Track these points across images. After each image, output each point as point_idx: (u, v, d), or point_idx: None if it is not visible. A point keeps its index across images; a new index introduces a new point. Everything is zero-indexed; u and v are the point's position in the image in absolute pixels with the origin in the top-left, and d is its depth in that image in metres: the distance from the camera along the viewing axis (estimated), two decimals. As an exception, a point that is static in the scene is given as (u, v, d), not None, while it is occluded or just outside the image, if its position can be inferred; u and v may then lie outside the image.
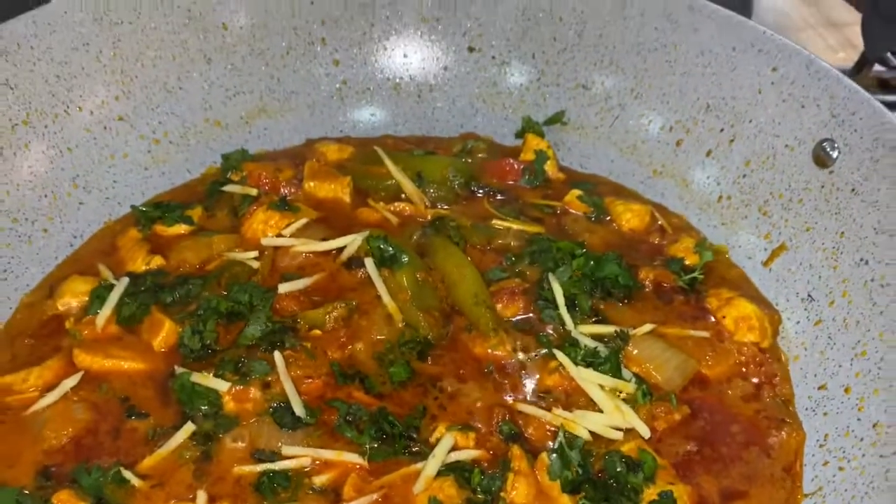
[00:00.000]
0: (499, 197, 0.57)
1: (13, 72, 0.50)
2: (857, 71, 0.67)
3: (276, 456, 0.40)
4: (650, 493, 0.39)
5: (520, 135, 0.61)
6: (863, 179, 0.47)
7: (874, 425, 0.41)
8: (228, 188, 0.55)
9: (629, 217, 0.55)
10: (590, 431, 0.42)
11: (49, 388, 0.42)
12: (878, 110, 0.47)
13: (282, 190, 0.55)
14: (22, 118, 0.51)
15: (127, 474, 0.39)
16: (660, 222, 0.55)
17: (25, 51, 0.50)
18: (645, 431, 0.41)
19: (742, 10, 0.71)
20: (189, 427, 0.41)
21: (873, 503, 0.36)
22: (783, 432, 0.43)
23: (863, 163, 0.47)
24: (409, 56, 0.63)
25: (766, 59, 0.52)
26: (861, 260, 0.46)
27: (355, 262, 0.50)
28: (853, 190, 0.48)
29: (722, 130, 0.55)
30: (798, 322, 0.48)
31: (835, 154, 0.49)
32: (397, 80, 0.63)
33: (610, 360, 0.45)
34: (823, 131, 0.50)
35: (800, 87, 0.51)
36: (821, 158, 0.50)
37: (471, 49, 0.62)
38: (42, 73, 0.52)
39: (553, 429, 0.42)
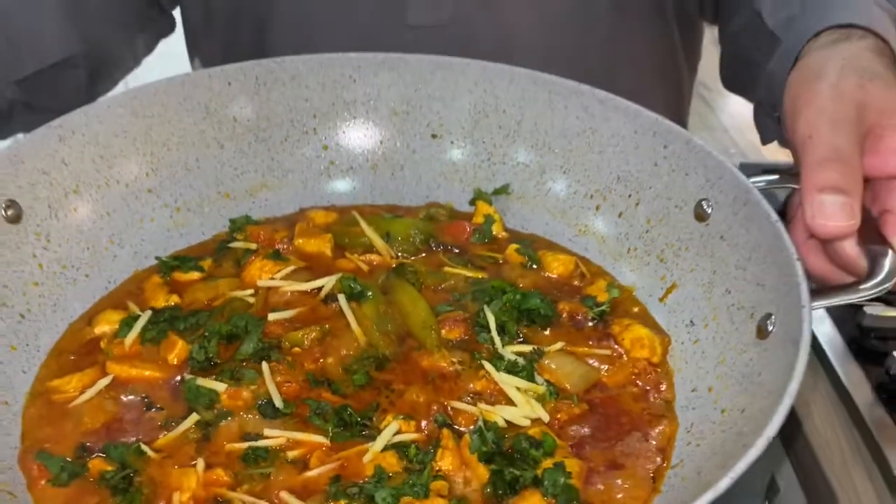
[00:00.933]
0: (452, 251, 0.69)
1: (68, 152, 0.62)
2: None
3: (259, 437, 0.50)
4: (547, 463, 0.49)
5: (472, 202, 0.73)
6: (728, 228, 0.58)
7: (722, 411, 0.51)
8: (234, 245, 0.67)
9: (556, 265, 0.66)
10: (505, 421, 0.52)
11: (87, 388, 0.53)
12: (737, 175, 0.58)
13: (276, 245, 0.67)
14: (73, 188, 0.63)
15: (144, 448, 0.49)
16: (581, 269, 0.66)
17: (78, 136, 0.63)
18: (545, 416, 0.51)
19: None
20: (194, 416, 0.51)
21: (711, 464, 0.46)
22: (662, 424, 0.53)
23: (728, 216, 0.58)
24: (384, 142, 0.75)
25: (659, 140, 0.64)
26: (726, 290, 0.57)
27: (330, 297, 0.61)
28: (722, 237, 0.59)
29: (630, 196, 0.67)
30: (682, 343, 0.59)
31: (709, 210, 0.60)
32: (374, 161, 0.75)
33: (526, 369, 0.56)
34: (701, 193, 0.61)
35: (683, 160, 0.63)
36: (700, 214, 0.61)
37: (433, 136, 0.75)
38: (90, 154, 0.64)
39: (477, 419, 0.52)
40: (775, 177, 0.61)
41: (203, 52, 0.85)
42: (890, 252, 0.49)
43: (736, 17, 0.73)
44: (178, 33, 0.88)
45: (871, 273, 0.49)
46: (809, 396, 0.69)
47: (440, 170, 0.75)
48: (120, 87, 0.80)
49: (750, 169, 1.25)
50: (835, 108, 0.52)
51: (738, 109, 0.96)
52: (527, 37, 0.75)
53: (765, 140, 0.71)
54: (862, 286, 0.49)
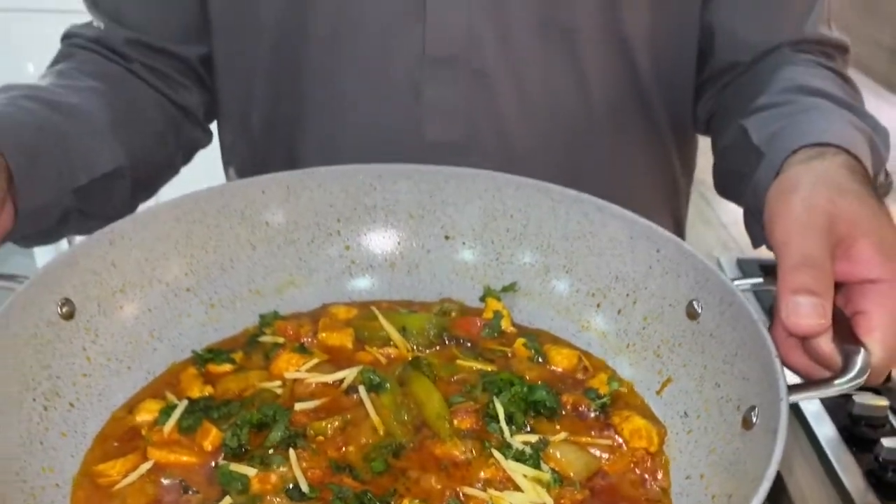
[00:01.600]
0: (464, 345, 0.74)
1: (117, 255, 0.69)
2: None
3: (286, 517, 0.55)
4: (551, 541, 0.53)
5: (483, 299, 0.78)
6: (716, 327, 0.63)
7: (712, 497, 0.54)
8: (263, 339, 0.73)
9: (560, 359, 0.71)
10: (511, 504, 0.56)
11: (129, 472, 0.58)
12: (722, 279, 0.64)
13: (302, 339, 0.72)
14: (120, 287, 0.69)
15: (182, 525, 0.54)
16: (583, 364, 0.71)
17: (126, 241, 0.69)
18: (550, 502, 0.55)
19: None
20: (227, 499, 0.55)
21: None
22: (658, 508, 0.57)
23: (716, 315, 0.63)
24: (401, 242, 0.81)
25: (653, 244, 0.70)
26: (716, 384, 0.61)
27: (352, 389, 0.66)
28: (711, 335, 0.64)
29: (627, 295, 0.72)
30: (677, 433, 0.63)
31: (699, 310, 0.65)
32: (392, 260, 0.81)
33: (533, 458, 0.60)
34: (691, 294, 0.66)
35: (675, 263, 0.69)
36: (691, 313, 0.66)
37: (446, 237, 0.81)
38: (136, 257, 0.70)
39: (487, 504, 0.56)
40: (759, 280, 0.66)
41: (237, 162, 0.93)
42: (862, 350, 0.54)
43: (726, 132, 0.79)
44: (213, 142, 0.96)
45: (845, 369, 0.54)
46: (804, 482, 0.72)
47: (452, 268, 0.81)
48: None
49: (747, 264, 1.31)
50: (807, 219, 0.58)
51: (736, 207, 1.03)
52: (532, 153, 0.82)
53: (755, 244, 0.77)
54: (836, 381, 0.53)
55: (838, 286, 0.57)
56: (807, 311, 0.53)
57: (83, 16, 0.88)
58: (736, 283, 0.63)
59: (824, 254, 0.55)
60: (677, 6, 0.81)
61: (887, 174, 0.79)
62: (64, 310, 0.64)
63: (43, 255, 1.84)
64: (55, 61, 0.84)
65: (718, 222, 1.38)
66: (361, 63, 0.79)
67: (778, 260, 0.57)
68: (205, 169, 1.00)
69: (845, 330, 0.56)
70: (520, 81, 0.78)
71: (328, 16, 0.78)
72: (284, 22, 0.80)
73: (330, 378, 0.67)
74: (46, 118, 0.71)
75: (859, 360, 0.54)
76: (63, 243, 0.95)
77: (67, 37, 0.86)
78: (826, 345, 0.55)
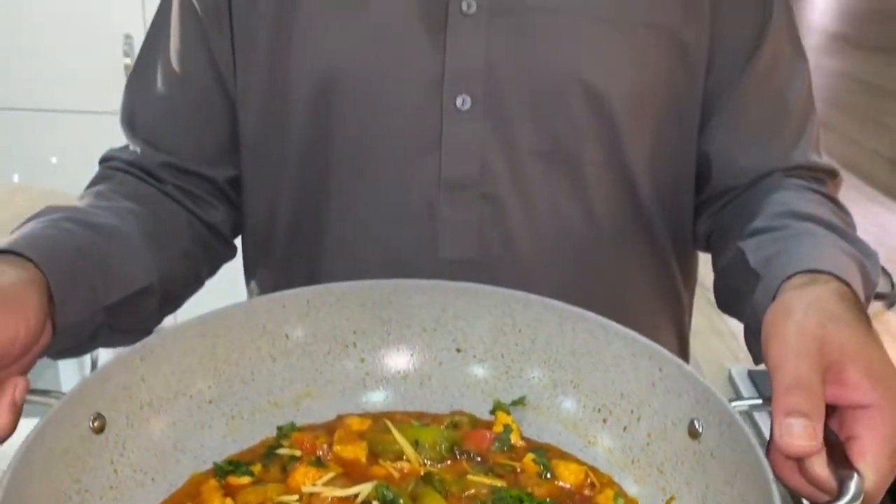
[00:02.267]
0: (475, 459, 0.77)
1: (146, 370, 0.72)
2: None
3: None
4: None
5: (493, 412, 0.81)
6: (717, 447, 0.66)
7: None
8: (281, 451, 0.76)
9: (568, 475, 0.73)
10: None
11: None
12: (720, 400, 0.67)
13: (318, 452, 0.76)
14: (148, 401, 0.73)
15: None
16: (590, 479, 0.74)
17: (156, 356, 0.73)
18: None
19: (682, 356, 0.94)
20: None
21: None
22: None
23: (716, 435, 0.66)
24: (414, 355, 0.85)
25: (655, 363, 0.74)
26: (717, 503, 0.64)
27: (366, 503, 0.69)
28: (712, 454, 0.66)
29: (632, 412, 0.75)
30: (679, 545, 0.65)
31: (700, 429, 0.68)
32: (405, 372, 0.85)
33: (541, 575, 0.62)
34: (692, 413, 0.69)
35: (676, 383, 0.72)
36: (692, 432, 0.69)
37: (458, 350, 0.85)
38: (163, 372, 0.74)
39: None
40: (759, 401, 0.69)
41: (260, 275, 0.98)
42: (855, 475, 0.57)
43: (725, 252, 0.84)
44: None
45: (840, 493, 0.56)
46: None
47: (463, 381, 0.84)
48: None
49: (758, 376, 1.33)
50: (799, 344, 0.61)
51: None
52: (541, 270, 0.86)
53: (756, 361, 0.80)
54: (830, 505, 0.56)
55: (833, 410, 0.60)
56: (798, 433, 0.56)
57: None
58: (734, 404, 0.66)
59: (815, 377, 0.59)
60: (676, 137, 0.87)
61: (893, 285, 0.83)
62: (95, 424, 0.68)
63: (66, 366, 1.89)
64: (94, 182, 0.90)
65: (729, 332, 1.41)
66: (381, 186, 0.85)
67: (772, 382, 0.61)
68: (227, 280, 1.05)
69: (840, 454, 0.59)
70: (528, 205, 0.84)
71: (351, 143, 0.85)
72: (309, 147, 0.87)
73: (345, 493, 0.69)
74: (86, 240, 0.77)
75: (853, 486, 0.56)
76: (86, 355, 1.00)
77: (106, 160, 0.93)
78: (821, 468, 0.57)
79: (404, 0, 0.81)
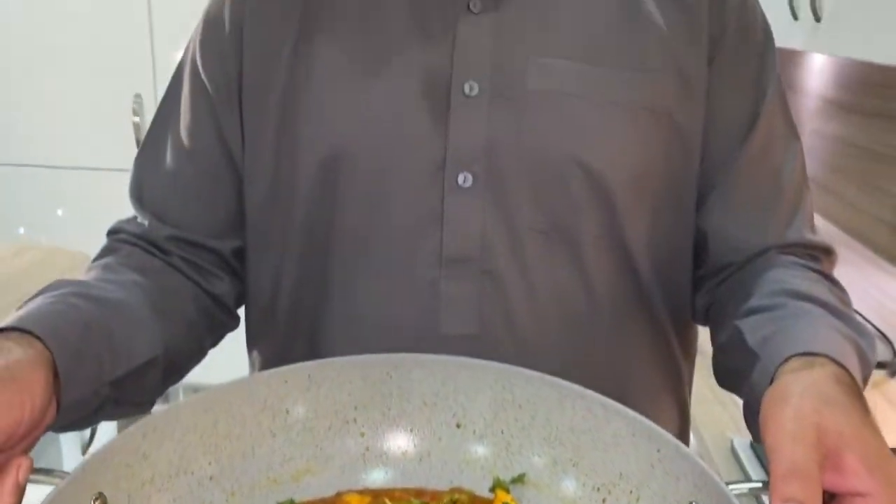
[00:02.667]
0: (474, 536, 0.77)
1: (149, 447, 0.73)
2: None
3: None
4: None
5: (492, 489, 0.82)
6: (713, 529, 0.67)
7: None
8: (278, 527, 0.76)
9: (569, 555, 0.74)
10: None
11: None
12: (718, 484, 0.67)
13: (317, 530, 0.76)
14: (149, 479, 0.73)
15: None
16: (593, 560, 0.73)
17: (158, 433, 0.73)
18: None
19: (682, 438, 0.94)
20: None
21: None
22: None
23: (712, 519, 0.67)
24: (414, 430, 0.85)
25: (654, 444, 0.74)
26: (716, 587, 0.64)
27: (365, 586, 0.69)
28: (711, 538, 0.67)
29: (631, 492, 0.75)
30: None
31: (700, 512, 0.69)
32: (405, 447, 0.85)
33: None
34: (690, 496, 0.69)
35: (675, 464, 0.72)
36: (691, 514, 0.70)
37: (458, 425, 0.85)
38: (165, 448, 0.74)
39: None
40: (758, 485, 0.70)
41: (262, 346, 0.99)
42: (854, 563, 0.57)
43: (723, 330, 0.85)
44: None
45: (840, 583, 0.57)
46: None
47: (463, 457, 0.85)
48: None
49: (762, 448, 1.32)
50: (795, 428, 0.62)
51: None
52: (541, 345, 0.88)
53: (755, 439, 0.80)
54: None
55: (831, 497, 0.60)
56: None
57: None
58: (732, 487, 0.67)
59: (812, 464, 0.59)
60: (673, 215, 0.89)
61: (895, 353, 0.84)
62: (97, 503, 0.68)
63: (66, 439, 1.88)
64: (101, 255, 0.92)
65: (731, 401, 1.41)
66: (383, 262, 0.86)
67: (769, 466, 0.61)
68: (229, 351, 1.06)
69: None
70: (528, 281, 0.85)
71: (354, 219, 0.87)
72: (314, 223, 0.89)
73: (342, 573, 0.70)
74: (92, 315, 0.78)
75: (851, 575, 0.56)
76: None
77: (114, 232, 0.95)
78: None
79: (408, 82, 0.84)
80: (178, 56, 0.99)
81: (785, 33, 1.46)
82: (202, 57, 0.92)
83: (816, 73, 2.30)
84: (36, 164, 3.02)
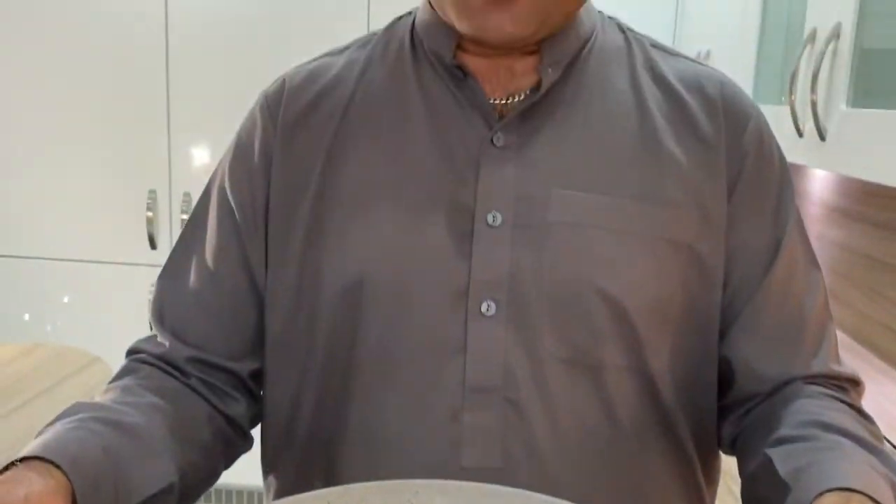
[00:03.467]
0: None
1: None
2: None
3: None
4: None
5: None
6: None
7: None
8: None
9: None
10: None
11: None
12: None
13: None
14: None
15: None
16: None
17: None
18: None
19: None
20: None
21: None
22: None
23: None
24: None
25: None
26: None
27: None
28: None
29: None
30: None
31: None
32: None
33: None
34: None
35: None
36: None
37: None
38: None
39: None
40: None
41: (278, 470, 0.97)
42: None
43: (752, 459, 0.83)
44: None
45: None
46: None
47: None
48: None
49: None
50: None
51: None
52: (564, 473, 0.86)
53: None
54: None
55: None
56: None
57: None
58: None
59: None
60: (695, 344, 0.88)
61: None
62: None
63: None
64: (120, 375, 0.91)
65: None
66: (405, 389, 0.85)
67: None
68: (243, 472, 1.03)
69: None
70: (551, 410, 0.84)
71: (376, 345, 0.86)
72: (335, 347, 0.88)
73: None
74: (112, 441, 0.77)
75: None
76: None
77: (133, 352, 0.94)
78: None
79: (433, 211, 0.85)
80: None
81: (790, 149, 1.49)
82: (230, 182, 0.93)
83: (819, 180, 2.34)
84: (47, 256, 3.03)
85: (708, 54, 2.50)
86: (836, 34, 1.44)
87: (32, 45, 2.88)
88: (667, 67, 0.85)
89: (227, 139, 0.97)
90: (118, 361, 0.95)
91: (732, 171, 0.86)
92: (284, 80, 0.94)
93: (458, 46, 0.82)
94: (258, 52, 2.77)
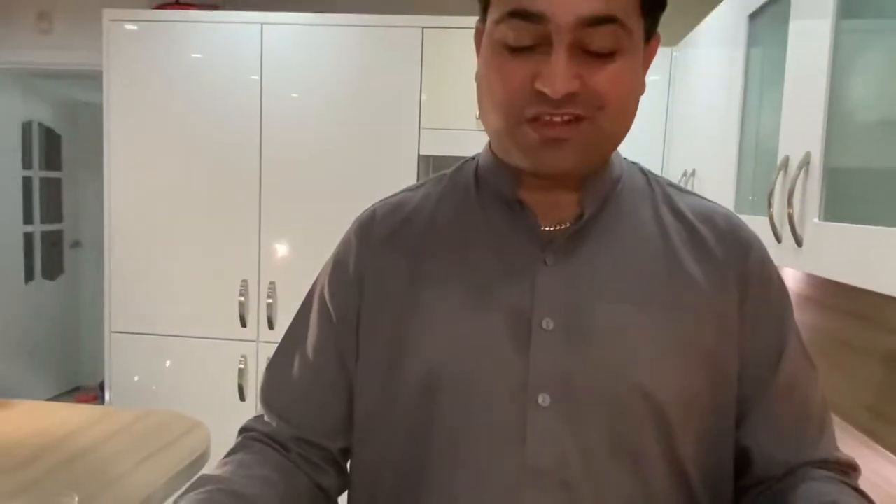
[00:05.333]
0: None
1: None
2: None
3: None
4: None
5: None
6: None
7: None
8: None
9: None
10: None
11: None
12: None
13: None
14: None
15: None
16: None
17: None
18: None
19: None
20: None
21: None
22: None
23: None
24: None
25: None
26: None
27: None
28: None
29: None
30: None
31: None
32: None
33: None
34: None
35: None
36: None
37: None
38: None
39: None
40: None
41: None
42: None
43: None
44: None
45: None
46: None
47: None
48: None
49: None
50: None
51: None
52: None
53: None
54: None
55: None
56: None
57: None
58: None
59: None
60: (717, 433, 0.86)
61: None
62: None
63: None
64: (235, 450, 0.90)
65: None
66: (473, 470, 0.83)
67: None
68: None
69: None
70: (599, 491, 0.81)
71: (449, 431, 0.84)
72: (413, 431, 0.87)
73: None
74: None
75: None
76: None
77: (246, 430, 0.93)
78: None
79: (496, 318, 0.84)
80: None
81: (771, 254, 1.47)
82: (329, 290, 0.94)
83: (795, 274, 2.31)
84: (158, 333, 3.06)
85: (693, 172, 2.51)
86: (806, 161, 1.44)
87: (160, 158, 2.98)
88: (682, 203, 0.86)
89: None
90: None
91: (740, 288, 0.86)
92: (375, 209, 0.95)
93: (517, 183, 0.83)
94: (330, 173, 2.84)
